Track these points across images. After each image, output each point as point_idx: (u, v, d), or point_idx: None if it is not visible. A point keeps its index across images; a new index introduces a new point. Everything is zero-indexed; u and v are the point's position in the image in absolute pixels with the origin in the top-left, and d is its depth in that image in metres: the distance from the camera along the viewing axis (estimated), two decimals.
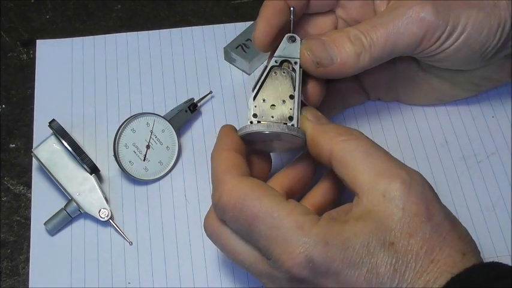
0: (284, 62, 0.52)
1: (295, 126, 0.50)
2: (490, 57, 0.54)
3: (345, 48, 0.51)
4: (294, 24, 0.53)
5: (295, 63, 0.51)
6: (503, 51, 0.54)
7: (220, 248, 0.49)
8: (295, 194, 0.51)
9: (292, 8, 0.52)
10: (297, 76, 0.51)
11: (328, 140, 0.47)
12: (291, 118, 0.50)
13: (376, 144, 0.47)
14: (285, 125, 0.49)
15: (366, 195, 0.44)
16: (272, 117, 0.50)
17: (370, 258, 0.42)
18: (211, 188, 0.48)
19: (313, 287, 0.44)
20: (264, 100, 0.51)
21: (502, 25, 0.52)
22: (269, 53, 0.55)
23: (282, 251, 0.43)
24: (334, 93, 0.59)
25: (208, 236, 0.49)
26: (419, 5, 0.51)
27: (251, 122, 0.50)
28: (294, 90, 0.51)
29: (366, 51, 0.51)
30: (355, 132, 0.47)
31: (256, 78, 0.51)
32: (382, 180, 0.44)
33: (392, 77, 0.61)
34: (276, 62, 0.51)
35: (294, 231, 0.43)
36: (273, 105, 0.50)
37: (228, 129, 0.50)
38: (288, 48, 0.52)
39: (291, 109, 0.50)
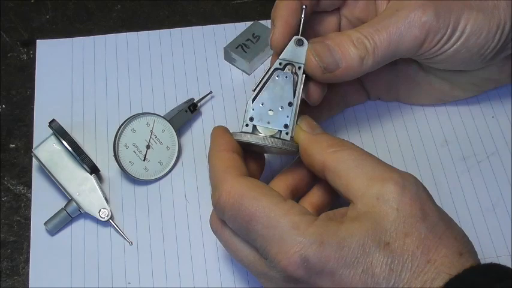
0: (287, 65, 0.51)
1: (290, 134, 0.50)
2: (489, 59, 0.54)
3: (349, 53, 0.51)
4: (304, 25, 0.52)
5: (299, 68, 0.51)
6: (503, 53, 0.54)
7: (223, 245, 0.50)
8: (300, 192, 0.51)
9: (304, 7, 0.52)
10: (299, 83, 0.51)
11: (320, 150, 0.48)
12: (286, 126, 0.50)
13: (368, 152, 0.47)
14: (278, 140, 0.49)
15: (360, 200, 0.44)
16: (268, 122, 0.50)
17: (366, 258, 0.42)
18: (211, 188, 0.48)
19: (308, 287, 0.44)
20: (262, 104, 0.50)
21: (501, 27, 0.52)
22: (271, 53, 0.55)
23: (277, 250, 0.43)
24: (334, 92, 0.59)
25: (213, 232, 0.50)
26: (421, 8, 0.51)
27: (247, 125, 0.50)
28: (294, 97, 0.50)
29: (369, 55, 0.51)
30: (347, 143, 0.48)
31: (259, 79, 0.51)
32: (375, 184, 0.44)
33: (393, 77, 0.61)
34: (280, 64, 0.51)
35: (290, 231, 0.43)
36: (271, 110, 0.50)
37: (221, 130, 0.50)
38: (294, 52, 0.51)
39: (287, 116, 0.50)
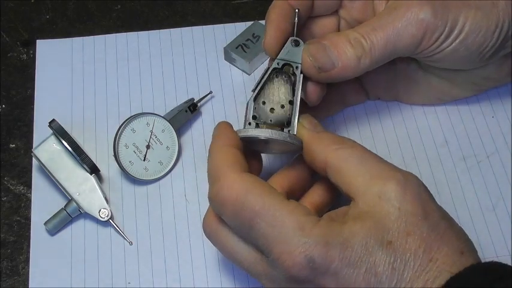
0: (285, 65, 0.52)
1: (292, 132, 0.50)
2: (488, 57, 0.54)
3: (346, 52, 0.51)
4: (298, 27, 0.52)
5: (297, 68, 0.51)
6: (502, 51, 0.54)
7: (219, 248, 0.49)
8: (295, 194, 0.51)
9: (297, 10, 0.52)
10: (298, 82, 0.51)
11: (322, 148, 0.47)
12: (288, 123, 0.50)
13: (370, 151, 0.47)
14: (285, 133, 0.49)
15: (361, 198, 0.44)
16: (270, 120, 0.50)
17: (369, 257, 0.42)
18: (208, 182, 0.47)
19: (312, 287, 0.44)
20: (263, 103, 0.51)
21: (500, 25, 0.52)
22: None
23: (282, 250, 0.43)
24: (334, 92, 0.59)
25: (207, 236, 0.49)
26: (418, 6, 0.51)
27: (249, 124, 0.50)
28: (294, 96, 0.51)
29: (366, 54, 0.51)
30: (349, 141, 0.48)
31: (258, 79, 0.51)
32: (377, 182, 0.44)
33: (392, 76, 0.61)
34: (278, 64, 0.51)
35: (295, 231, 0.43)
36: (272, 108, 0.50)
37: (225, 125, 0.50)
38: (291, 52, 0.52)
39: (289, 115, 0.50)
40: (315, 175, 0.52)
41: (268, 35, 0.52)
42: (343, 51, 0.51)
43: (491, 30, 0.52)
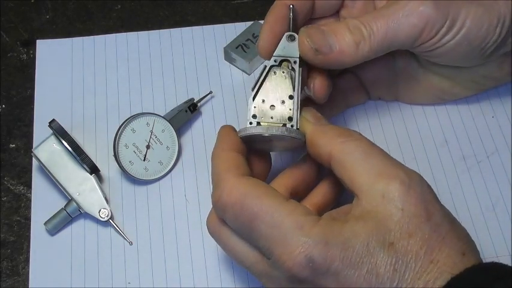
0: (283, 61, 0.52)
1: (295, 127, 0.50)
2: (489, 54, 0.54)
3: (344, 37, 0.51)
4: (293, 22, 0.52)
5: (295, 62, 0.51)
6: (503, 49, 0.54)
7: (222, 247, 0.49)
8: (300, 194, 0.51)
9: (291, 6, 0.52)
10: (297, 76, 0.51)
11: (327, 141, 0.47)
12: (290, 119, 0.50)
13: (375, 145, 0.47)
14: (284, 128, 0.49)
15: (365, 195, 0.44)
16: (271, 117, 0.50)
17: (370, 258, 0.42)
18: (212, 187, 0.48)
19: (312, 287, 0.44)
20: (263, 100, 0.50)
21: (501, 21, 0.52)
22: None
23: (282, 251, 0.43)
24: (335, 92, 0.59)
25: (210, 234, 0.50)
26: (419, 1, 0.51)
27: (250, 123, 0.50)
28: (294, 90, 0.50)
29: (365, 41, 0.51)
30: (355, 134, 0.47)
31: (257, 77, 0.51)
32: (381, 181, 0.44)
33: (393, 75, 0.61)
34: (275, 61, 0.51)
35: (294, 231, 0.43)
36: (273, 105, 0.50)
37: (227, 130, 0.50)
38: (287, 48, 0.52)
39: (290, 110, 0.50)
40: (320, 174, 0.52)
41: (262, 37, 0.52)
42: (342, 36, 0.51)
43: (493, 25, 0.52)
